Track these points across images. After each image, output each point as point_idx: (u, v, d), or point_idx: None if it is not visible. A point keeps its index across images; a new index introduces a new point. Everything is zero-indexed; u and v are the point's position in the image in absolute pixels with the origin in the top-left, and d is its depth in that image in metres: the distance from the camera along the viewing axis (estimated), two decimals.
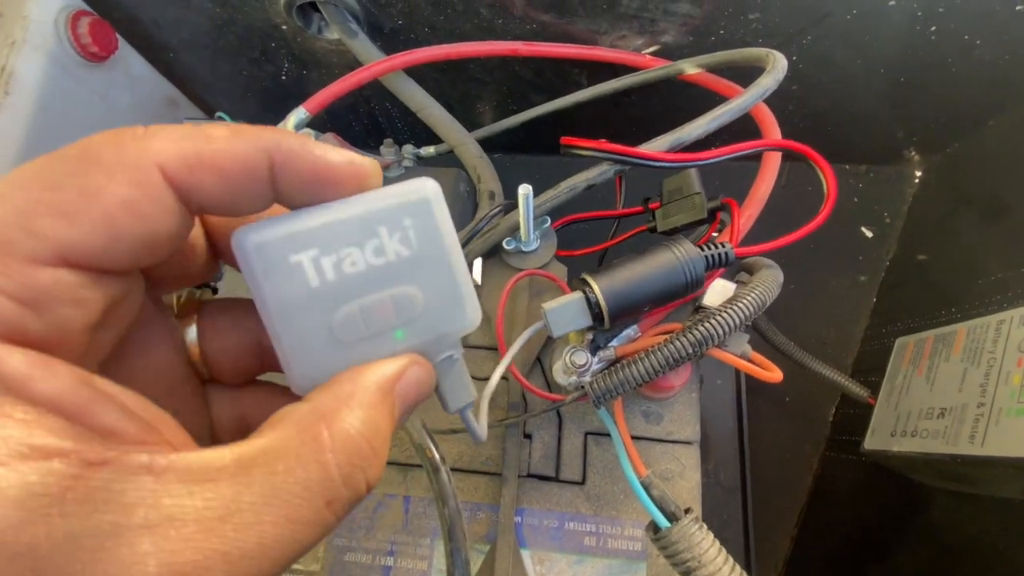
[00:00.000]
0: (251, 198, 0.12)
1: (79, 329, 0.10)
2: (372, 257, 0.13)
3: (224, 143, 0.11)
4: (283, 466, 0.10)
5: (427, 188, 0.13)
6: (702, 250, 0.25)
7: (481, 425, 0.17)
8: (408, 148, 0.46)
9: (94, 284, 0.10)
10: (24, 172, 0.10)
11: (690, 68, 0.37)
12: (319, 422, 0.11)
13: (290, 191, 0.12)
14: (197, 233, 0.14)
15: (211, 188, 0.11)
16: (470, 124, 0.44)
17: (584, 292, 0.24)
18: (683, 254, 0.24)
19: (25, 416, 0.09)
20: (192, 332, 0.14)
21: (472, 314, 0.14)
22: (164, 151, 0.10)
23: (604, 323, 0.24)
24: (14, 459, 0.09)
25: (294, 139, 0.12)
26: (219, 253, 0.14)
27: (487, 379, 0.23)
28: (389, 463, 0.28)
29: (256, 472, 0.10)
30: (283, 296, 0.12)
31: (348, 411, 0.11)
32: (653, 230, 0.33)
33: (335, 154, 0.12)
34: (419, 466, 0.28)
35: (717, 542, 0.22)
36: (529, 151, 0.58)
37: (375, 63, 0.36)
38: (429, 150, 0.46)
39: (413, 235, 0.13)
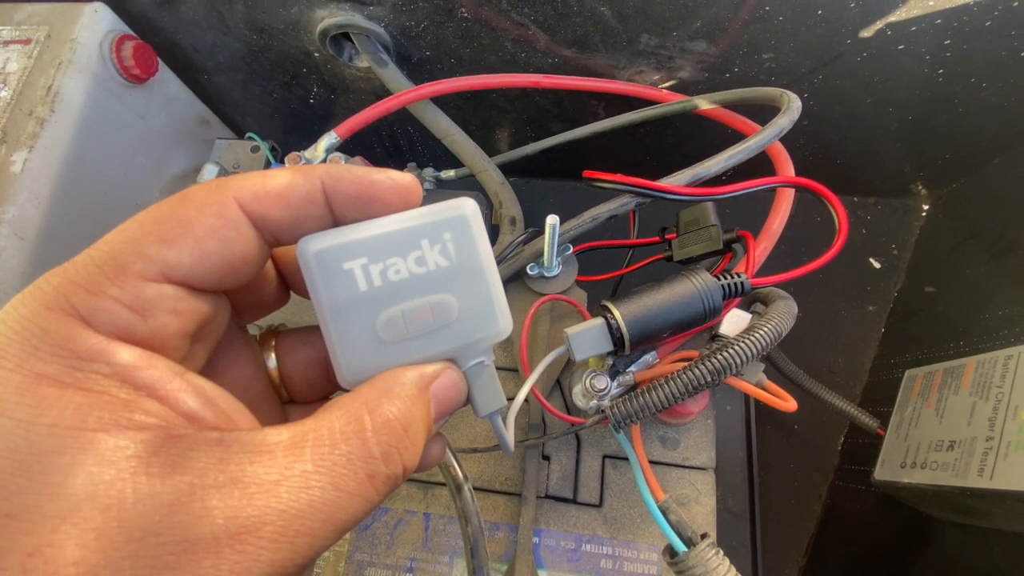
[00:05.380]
0: (311, 220, 0.14)
1: (176, 335, 0.12)
2: (414, 266, 0.14)
3: (284, 177, 0.13)
4: (330, 441, 0.12)
5: (467, 206, 0.15)
6: (719, 280, 0.26)
7: (510, 435, 0.18)
8: (429, 171, 0.48)
9: (189, 298, 0.12)
10: (139, 213, 0.12)
11: (705, 104, 0.38)
12: (361, 407, 0.13)
13: (343, 210, 0.14)
14: (269, 266, 0.16)
15: (278, 213, 0.13)
16: (489, 150, 0.46)
17: (606, 318, 0.25)
18: (701, 284, 0.25)
19: (127, 397, 0.11)
20: (272, 358, 0.16)
21: (503, 323, 0.15)
22: (240, 188, 0.13)
23: (625, 349, 0.25)
24: (112, 427, 0.11)
25: (341, 167, 0.14)
26: (288, 284, 0.16)
27: (511, 399, 0.24)
28: (410, 480, 0.28)
29: (307, 446, 0.12)
30: (336, 297, 0.14)
31: (387, 400, 0.13)
32: (669, 259, 0.34)
33: (378, 174, 0.14)
34: (440, 484, 0.29)
35: (733, 568, 0.23)
36: (545, 176, 0.59)
37: (404, 92, 0.38)
38: (449, 173, 0.47)
39: (452, 248, 0.14)
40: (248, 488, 0.11)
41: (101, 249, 0.12)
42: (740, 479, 0.47)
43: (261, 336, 0.17)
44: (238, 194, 0.13)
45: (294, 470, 0.11)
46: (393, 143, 0.55)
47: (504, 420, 0.18)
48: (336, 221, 0.14)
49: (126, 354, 0.11)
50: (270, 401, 0.16)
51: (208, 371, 0.14)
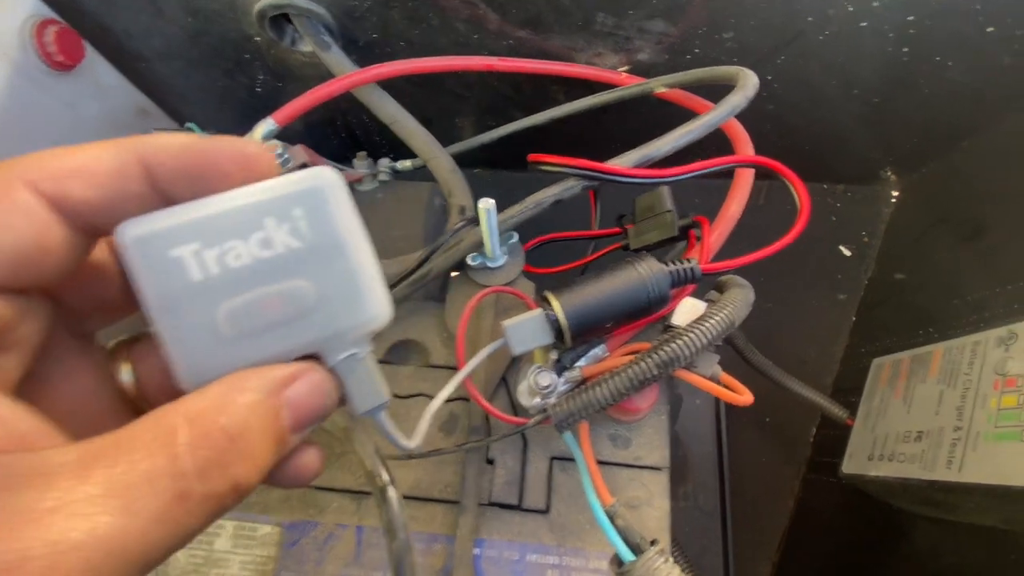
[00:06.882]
0: (131, 201, 0.12)
1: None
2: (258, 250, 0.12)
3: (87, 152, 0.11)
4: (127, 458, 0.10)
5: (321, 176, 0.13)
6: (667, 267, 0.24)
7: (417, 435, 0.17)
8: (384, 162, 0.45)
9: None
10: None
11: (664, 86, 0.37)
12: (177, 417, 0.11)
13: (172, 187, 0.12)
14: (109, 261, 0.14)
15: (83, 194, 0.11)
16: (449, 139, 0.44)
17: (544, 309, 0.23)
18: (647, 271, 0.23)
19: None
20: (126, 371, 0.14)
21: (374, 308, 0.13)
22: (29, 167, 0.11)
23: (565, 341, 0.23)
24: None
25: (166, 136, 0.12)
26: None
27: (428, 396, 0.22)
28: (342, 491, 0.26)
29: (99, 465, 0.10)
30: (164, 291, 0.12)
31: (215, 409, 0.11)
32: (627, 248, 0.33)
33: (209, 141, 0.12)
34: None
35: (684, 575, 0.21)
36: (510, 167, 0.57)
37: (345, 76, 0.36)
38: (406, 164, 0.45)
39: (304, 226, 0.12)
40: (13, 519, 0.09)
41: None
42: (710, 475, 0.46)
43: (113, 348, 0.15)
44: (27, 174, 0.11)
45: (76, 494, 0.09)
46: (349, 133, 0.53)
47: (418, 419, 0.17)
48: (168, 200, 0.12)
49: None
50: (119, 417, 0.14)
51: (34, 387, 0.12)
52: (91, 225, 0.12)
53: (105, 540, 0.09)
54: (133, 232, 0.12)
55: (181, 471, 0.10)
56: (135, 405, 0.14)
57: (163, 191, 0.12)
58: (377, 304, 0.13)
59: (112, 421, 0.13)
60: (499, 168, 0.57)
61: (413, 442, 0.16)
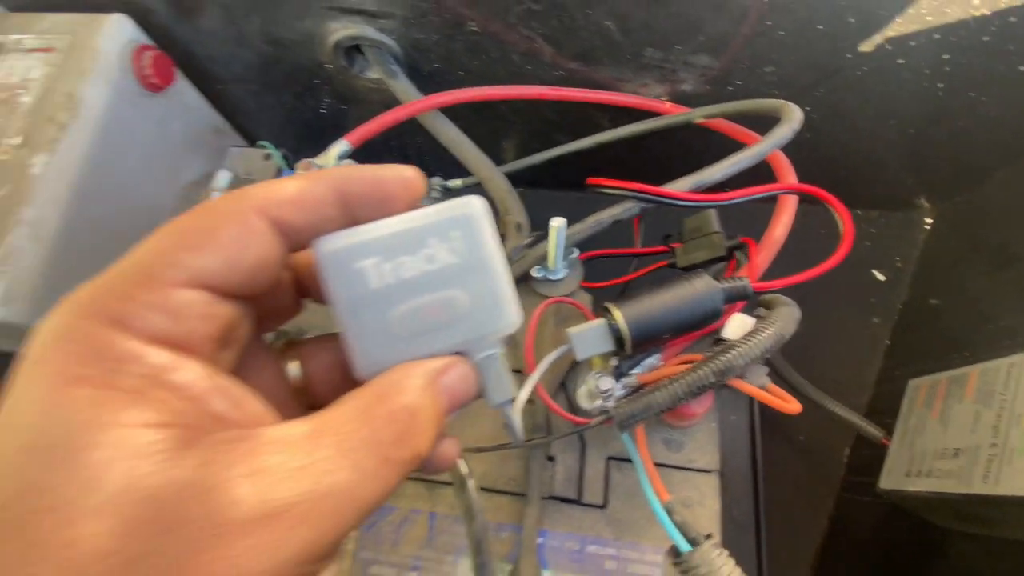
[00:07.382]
0: (327, 222, 0.15)
1: (205, 339, 0.13)
2: (424, 264, 0.15)
3: (298, 184, 0.14)
4: (347, 428, 0.13)
5: (473, 205, 0.15)
6: (721, 284, 0.26)
7: (518, 430, 0.19)
8: (436, 180, 0.49)
9: (216, 303, 0.13)
10: (166, 225, 0.13)
11: (707, 116, 0.39)
12: (374, 398, 0.14)
13: (358, 210, 0.15)
14: (285, 275, 0.16)
15: (295, 218, 0.14)
16: (497, 159, 0.47)
17: (607, 319, 0.25)
18: (703, 287, 0.25)
19: (159, 396, 0.12)
20: (295, 367, 0.17)
21: (511, 316, 0.16)
22: (258, 196, 0.14)
23: (626, 349, 0.25)
24: (146, 425, 0.11)
25: (351, 168, 0.15)
26: (305, 290, 0.17)
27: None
28: (415, 479, 0.29)
29: (327, 434, 0.13)
30: (348, 295, 0.15)
31: (397, 391, 0.14)
32: (673, 266, 0.35)
33: (384, 170, 0.15)
34: (446, 483, 0.29)
35: (738, 568, 0.23)
36: (552, 186, 0.60)
37: (416, 102, 0.39)
38: (456, 182, 0.48)
39: (460, 245, 0.15)
40: (275, 475, 0.11)
41: (130, 260, 0.13)
42: (745, 489, 0.47)
43: (284, 344, 0.17)
44: (257, 202, 0.13)
45: (316, 456, 0.12)
46: (402, 153, 0.57)
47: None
48: (354, 220, 0.15)
49: (159, 356, 0.12)
50: (293, 406, 0.17)
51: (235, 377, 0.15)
52: (295, 243, 0.14)
53: (344, 491, 0.12)
54: (327, 247, 0.14)
55: (383, 440, 0.13)
56: (300, 396, 0.17)
57: (352, 213, 0.15)
58: (513, 312, 0.16)
59: (285, 409, 0.16)
60: (541, 187, 0.60)
61: (520, 430, 0.18)
